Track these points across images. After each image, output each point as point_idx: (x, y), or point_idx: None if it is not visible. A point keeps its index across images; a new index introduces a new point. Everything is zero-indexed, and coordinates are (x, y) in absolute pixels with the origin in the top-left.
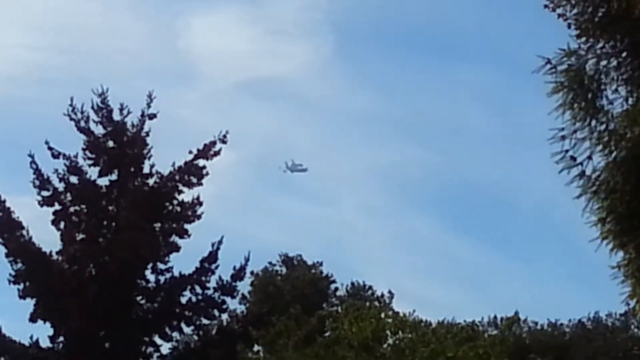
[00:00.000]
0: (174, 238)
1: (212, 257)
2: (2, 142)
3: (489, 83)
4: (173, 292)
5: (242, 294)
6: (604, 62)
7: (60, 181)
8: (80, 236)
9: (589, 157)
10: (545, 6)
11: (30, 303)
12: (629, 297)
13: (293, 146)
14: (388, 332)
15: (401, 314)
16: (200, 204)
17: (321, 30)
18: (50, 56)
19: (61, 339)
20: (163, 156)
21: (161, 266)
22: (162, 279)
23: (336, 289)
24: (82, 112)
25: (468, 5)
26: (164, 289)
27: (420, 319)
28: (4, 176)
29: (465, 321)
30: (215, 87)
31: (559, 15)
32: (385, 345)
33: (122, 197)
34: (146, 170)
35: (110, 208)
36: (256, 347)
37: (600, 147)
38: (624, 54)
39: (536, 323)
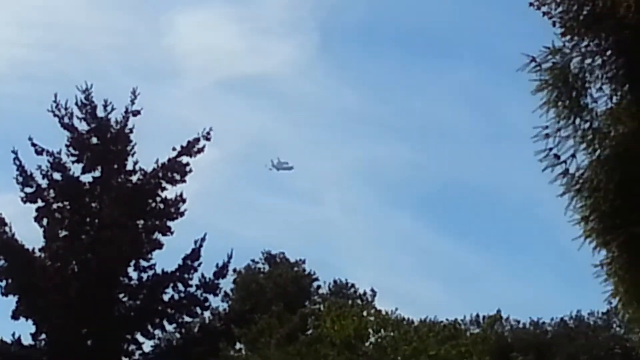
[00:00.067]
0: (157, 235)
1: (195, 254)
2: None
3: (473, 81)
4: (155, 289)
5: (225, 292)
6: (588, 61)
7: (43, 178)
8: (63, 233)
9: (573, 155)
10: (531, 4)
11: (12, 300)
12: (611, 296)
13: (278, 144)
14: (370, 330)
15: (383, 312)
16: (184, 201)
17: (306, 28)
18: (34, 52)
19: (43, 336)
20: (146, 153)
21: (144, 263)
22: (144, 276)
23: (319, 287)
24: (66, 109)
25: (453, 3)
26: (147, 286)
27: (403, 317)
28: None
29: (447, 320)
30: (200, 84)
31: (544, 14)
32: (367, 344)
33: (105, 194)
34: (129, 167)
35: (93, 205)
36: (238, 345)
37: (584, 145)
38: (608, 53)
39: (518, 321)
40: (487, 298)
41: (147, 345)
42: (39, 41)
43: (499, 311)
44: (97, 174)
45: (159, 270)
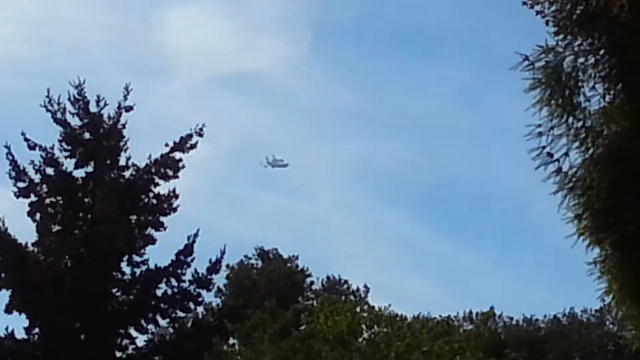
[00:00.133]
0: (150, 230)
1: (188, 250)
2: None
3: (466, 79)
4: (148, 284)
5: (218, 287)
6: (581, 60)
7: (36, 173)
8: (56, 228)
9: (566, 154)
10: (524, 3)
11: (5, 294)
12: (604, 294)
13: (271, 141)
14: (363, 326)
15: (376, 308)
16: (177, 196)
17: (299, 25)
18: (27, 48)
19: (37, 330)
20: (139, 149)
21: (137, 258)
22: (137, 271)
23: (312, 282)
24: (58, 104)
25: (447, 1)
26: (140, 281)
27: (396, 314)
28: None
29: (440, 316)
30: (192, 80)
31: (537, 12)
32: (360, 340)
33: (98, 189)
34: (122, 162)
35: (86, 200)
36: (231, 340)
37: (577, 143)
38: (601, 52)
39: (511, 318)
40: (480, 294)
41: (141, 340)
42: (32, 37)
43: (492, 308)
44: (89, 169)
45: (152, 266)
